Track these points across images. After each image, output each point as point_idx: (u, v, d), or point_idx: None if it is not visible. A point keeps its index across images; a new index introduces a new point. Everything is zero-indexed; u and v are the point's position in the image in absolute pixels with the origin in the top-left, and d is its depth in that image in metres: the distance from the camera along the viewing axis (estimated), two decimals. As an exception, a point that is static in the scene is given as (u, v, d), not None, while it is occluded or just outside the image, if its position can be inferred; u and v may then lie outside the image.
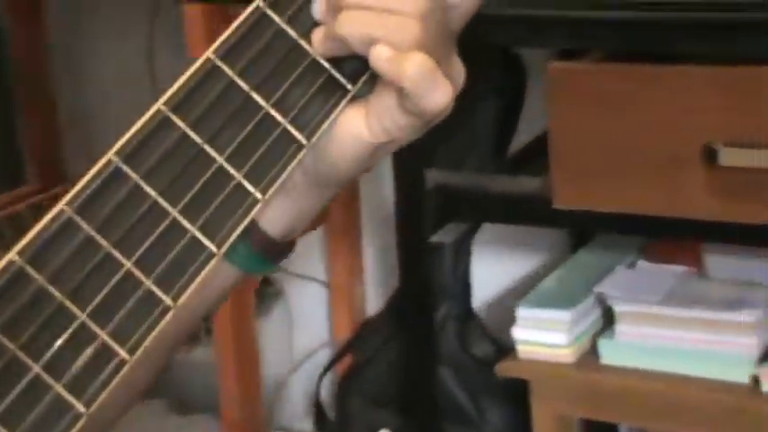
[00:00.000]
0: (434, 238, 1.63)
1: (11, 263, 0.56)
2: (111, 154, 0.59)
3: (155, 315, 0.58)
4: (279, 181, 0.62)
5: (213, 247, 0.60)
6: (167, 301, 0.58)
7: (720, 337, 1.54)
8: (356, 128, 0.65)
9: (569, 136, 1.42)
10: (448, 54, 0.63)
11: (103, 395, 0.56)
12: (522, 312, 1.66)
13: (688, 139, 1.32)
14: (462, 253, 1.86)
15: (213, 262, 0.60)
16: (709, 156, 1.31)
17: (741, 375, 1.53)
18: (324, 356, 2.28)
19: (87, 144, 2.41)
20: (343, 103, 0.64)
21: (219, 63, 0.62)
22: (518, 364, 1.66)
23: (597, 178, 1.43)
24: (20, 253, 0.56)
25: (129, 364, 0.57)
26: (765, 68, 1.30)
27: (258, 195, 0.61)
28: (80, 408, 0.56)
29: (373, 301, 2.24)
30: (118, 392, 0.57)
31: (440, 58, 0.62)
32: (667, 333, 1.58)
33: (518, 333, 1.66)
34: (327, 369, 2.17)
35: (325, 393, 2.20)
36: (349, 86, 0.64)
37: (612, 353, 1.61)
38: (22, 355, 0.55)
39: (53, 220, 0.57)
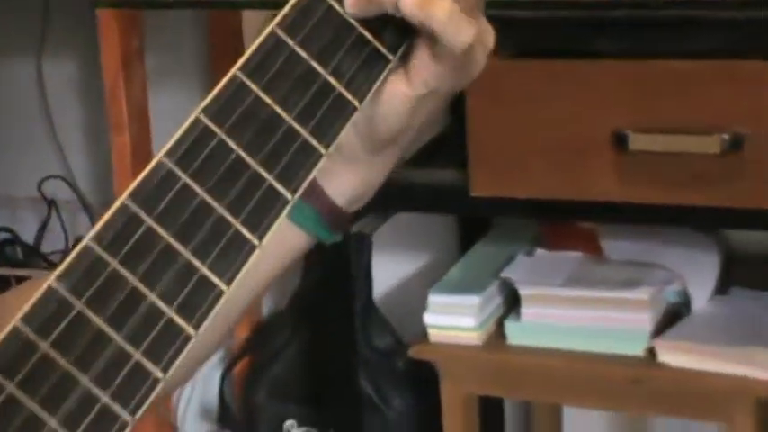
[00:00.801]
0: (355, 229, 1.73)
1: (125, 206, 0.64)
2: (198, 112, 0.67)
3: (244, 252, 0.66)
4: (337, 138, 0.71)
5: (288, 195, 0.69)
6: (254, 240, 0.67)
7: (618, 314, 1.68)
8: (398, 86, 0.74)
9: (486, 128, 1.54)
10: (472, 8, 0.73)
11: (208, 319, 0.64)
12: (433, 298, 1.76)
13: (599, 127, 1.46)
14: (366, 246, 1.96)
15: (288, 207, 0.69)
16: (619, 141, 1.45)
17: (638, 348, 1.67)
18: (219, 358, 2.34)
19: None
20: (387, 70, 0.74)
21: (282, 35, 0.71)
22: (429, 348, 1.77)
23: (513, 167, 1.55)
24: (132, 196, 0.64)
25: (226, 294, 0.65)
26: (668, 62, 1.45)
27: (322, 150, 0.71)
28: (190, 330, 0.64)
29: (268, 300, 2.32)
30: (190, 353, 0.65)
31: (465, 9, 0.72)
32: (568, 313, 1.70)
33: (429, 318, 1.76)
34: (229, 368, 2.24)
35: (227, 393, 2.27)
36: (390, 57, 0.74)
37: (518, 333, 1.73)
38: (141, 286, 0.63)
39: (155, 169, 0.66)
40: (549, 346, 1.71)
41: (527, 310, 1.73)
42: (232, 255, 0.66)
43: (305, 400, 2.05)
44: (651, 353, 1.66)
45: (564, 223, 1.82)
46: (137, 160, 1.95)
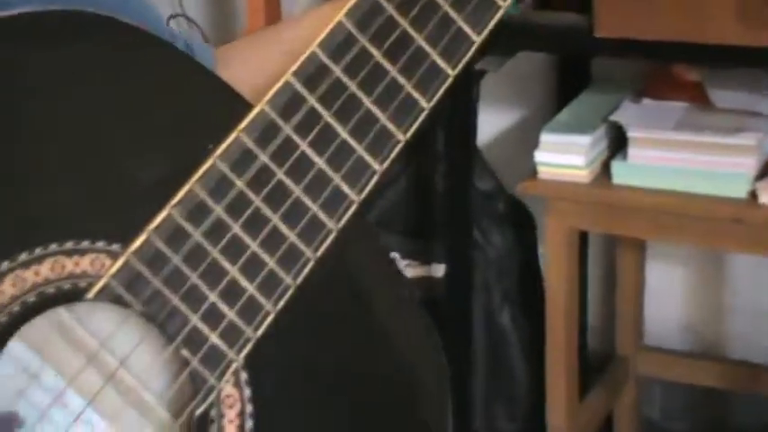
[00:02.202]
0: (478, 66, 1.83)
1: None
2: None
3: (493, 8, 0.76)
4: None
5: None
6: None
7: (723, 158, 1.77)
8: None
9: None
10: None
11: (462, 62, 0.74)
12: (545, 138, 1.86)
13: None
14: (479, 85, 2.05)
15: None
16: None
17: (740, 191, 1.76)
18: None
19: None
20: None
21: None
22: (538, 184, 1.87)
23: (637, 8, 1.64)
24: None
25: (476, 44, 0.75)
26: None
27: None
28: (449, 71, 0.74)
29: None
30: None
31: None
32: (674, 155, 1.80)
33: (540, 156, 1.86)
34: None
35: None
36: None
37: (624, 173, 1.83)
38: (410, 30, 0.73)
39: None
40: (654, 187, 1.81)
41: (634, 152, 1.82)
42: (482, 10, 0.76)
43: (410, 233, 2.16)
44: (753, 195, 1.75)
45: (670, 73, 1.91)
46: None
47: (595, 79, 2.12)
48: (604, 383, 2.19)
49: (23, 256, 0.67)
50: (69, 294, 0.68)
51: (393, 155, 0.74)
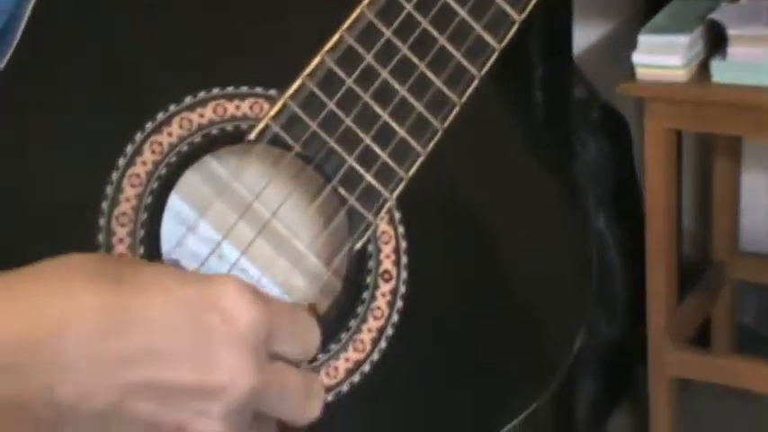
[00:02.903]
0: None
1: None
2: None
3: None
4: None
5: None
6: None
7: (823, 52, 1.78)
8: None
9: None
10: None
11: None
12: (643, 39, 1.87)
13: None
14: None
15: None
16: None
17: (841, 85, 1.76)
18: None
19: None
20: None
21: None
22: (637, 85, 1.88)
23: None
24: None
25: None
26: None
27: None
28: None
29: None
30: None
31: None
32: (775, 52, 1.81)
33: (637, 58, 1.88)
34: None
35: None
36: None
37: (723, 72, 1.84)
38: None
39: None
40: (754, 84, 1.81)
41: (733, 50, 1.83)
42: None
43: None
44: None
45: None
46: None
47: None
48: (701, 288, 2.21)
49: (188, 100, 0.71)
50: (232, 135, 0.72)
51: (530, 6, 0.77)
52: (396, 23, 0.74)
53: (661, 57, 1.86)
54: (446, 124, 0.75)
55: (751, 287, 2.32)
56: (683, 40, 1.84)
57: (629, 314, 2.16)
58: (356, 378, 0.73)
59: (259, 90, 0.73)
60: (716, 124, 1.89)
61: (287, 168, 0.74)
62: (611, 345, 2.17)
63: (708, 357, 2.08)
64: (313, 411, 0.65)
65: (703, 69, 1.86)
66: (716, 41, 1.86)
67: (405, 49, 0.74)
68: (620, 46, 1.97)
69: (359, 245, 0.73)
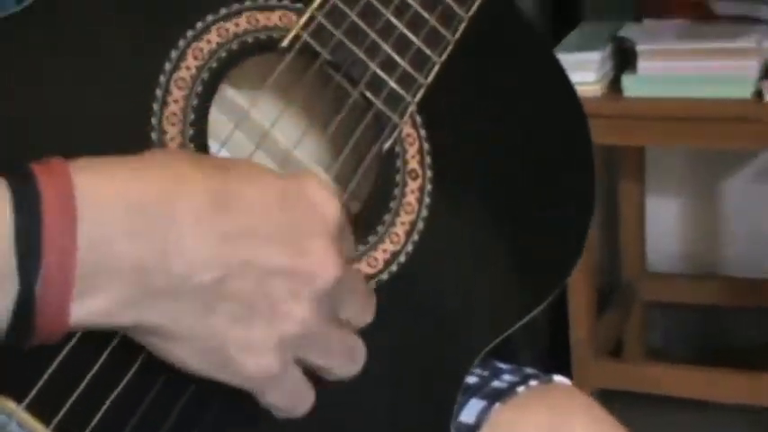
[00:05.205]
0: None
1: None
2: None
3: None
4: None
5: None
6: None
7: (726, 62, 1.89)
8: None
9: None
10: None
11: None
12: (559, 56, 1.96)
13: None
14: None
15: None
16: None
17: (745, 92, 1.87)
18: None
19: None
20: None
21: None
22: (553, 101, 1.97)
23: None
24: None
25: None
26: None
27: None
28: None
29: None
30: None
31: None
32: (680, 64, 1.91)
33: (552, 75, 1.96)
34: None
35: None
36: None
37: (634, 86, 1.94)
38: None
39: None
40: (663, 96, 1.92)
41: (642, 65, 1.93)
42: None
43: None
44: (759, 94, 1.86)
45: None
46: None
47: (588, 17, 2.23)
48: (614, 306, 2.29)
49: (223, 11, 0.76)
50: (266, 43, 0.76)
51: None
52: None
53: (575, 74, 1.94)
54: (456, 36, 0.81)
55: (658, 307, 2.42)
56: (595, 56, 1.94)
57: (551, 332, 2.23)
58: (394, 268, 0.77)
59: (287, 2, 0.78)
60: (631, 137, 1.99)
61: (301, 94, 0.79)
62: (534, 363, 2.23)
63: (629, 365, 2.16)
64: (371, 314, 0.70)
65: (615, 84, 1.96)
66: (624, 58, 1.97)
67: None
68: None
69: (387, 145, 0.78)
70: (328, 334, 0.66)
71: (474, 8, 0.82)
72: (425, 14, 0.80)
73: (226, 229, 0.63)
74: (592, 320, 2.11)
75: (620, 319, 2.31)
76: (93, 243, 0.59)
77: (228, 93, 0.78)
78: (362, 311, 0.69)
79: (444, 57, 0.80)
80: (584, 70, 1.94)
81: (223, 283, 0.62)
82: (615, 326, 2.29)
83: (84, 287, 0.60)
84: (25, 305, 0.59)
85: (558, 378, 0.90)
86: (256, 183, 0.65)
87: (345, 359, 0.67)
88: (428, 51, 0.80)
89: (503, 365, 0.91)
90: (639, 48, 1.93)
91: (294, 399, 0.66)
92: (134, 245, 0.61)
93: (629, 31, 1.99)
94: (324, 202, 0.66)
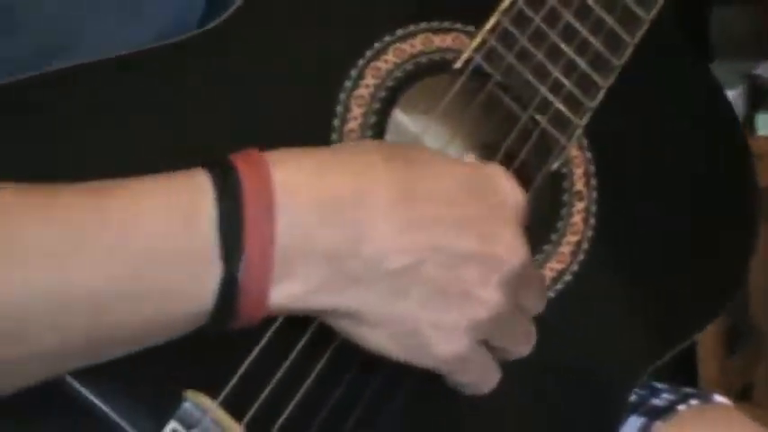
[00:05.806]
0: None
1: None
2: None
3: None
4: None
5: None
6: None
7: None
8: None
9: None
10: None
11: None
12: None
13: None
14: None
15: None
16: None
17: None
18: None
19: None
20: None
21: None
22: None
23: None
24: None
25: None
26: None
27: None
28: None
29: None
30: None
31: None
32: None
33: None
34: None
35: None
36: None
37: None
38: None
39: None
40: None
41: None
42: None
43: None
44: None
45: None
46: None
47: (719, 54, 2.23)
48: (744, 349, 2.26)
49: (400, 32, 0.78)
50: (439, 64, 0.79)
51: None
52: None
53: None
54: (622, 61, 0.83)
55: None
56: (728, 95, 1.93)
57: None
58: (559, 286, 0.79)
59: (459, 26, 0.80)
60: (763, 178, 1.97)
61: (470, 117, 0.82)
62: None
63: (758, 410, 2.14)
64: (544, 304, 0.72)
65: (748, 123, 1.95)
66: (758, 97, 1.96)
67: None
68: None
69: (555, 165, 0.80)
70: (513, 318, 0.68)
71: (640, 34, 0.84)
72: (592, 40, 0.82)
73: (415, 216, 0.65)
74: (721, 362, 2.09)
75: (750, 362, 2.29)
76: (290, 230, 0.62)
77: (399, 117, 0.81)
78: (539, 299, 0.72)
79: (611, 81, 0.82)
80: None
81: (415, 268, 0.65)
82: (747, 368, 2.26)
83: (282, 272, 0.62)
84: (229, 289, 0.61)
85: (718, 398, 0.90)
86: (442, 171, 0.68)
87: (523, 342, 0.70)
88: (595, 76, 0.82)
89: (658, 385, 0.91)
90: (775, 86, 1.93)
91: (483, 377, 0.69)
92: (328, 232, 0.63)
93: (764, 69, 1.99)
94: (510, 191, 0.69)
